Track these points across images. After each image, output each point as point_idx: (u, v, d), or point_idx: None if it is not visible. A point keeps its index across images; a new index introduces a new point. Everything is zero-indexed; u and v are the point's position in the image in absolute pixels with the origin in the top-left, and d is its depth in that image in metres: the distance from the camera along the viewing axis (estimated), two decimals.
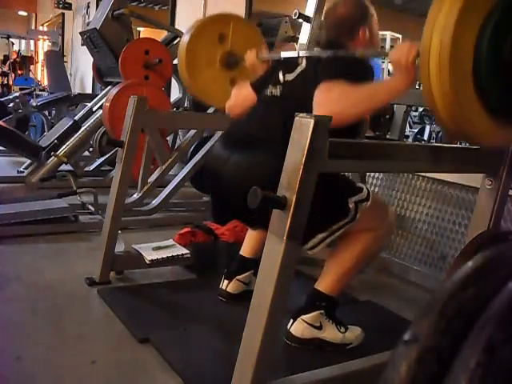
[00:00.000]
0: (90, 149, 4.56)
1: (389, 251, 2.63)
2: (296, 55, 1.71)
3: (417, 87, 5.27)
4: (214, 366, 1.54)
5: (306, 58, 1.68)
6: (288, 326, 1.66)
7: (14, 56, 10.77)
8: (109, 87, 4.29)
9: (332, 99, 1.40)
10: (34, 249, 2.52)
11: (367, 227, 1.65)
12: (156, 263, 2.23)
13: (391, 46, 10.26)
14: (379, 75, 8.92)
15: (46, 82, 8.85)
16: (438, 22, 1.18)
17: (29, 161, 4.29)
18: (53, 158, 3.91)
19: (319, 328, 1.66)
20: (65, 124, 4.26)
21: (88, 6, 7.72)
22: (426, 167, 1.60)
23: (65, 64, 8.39)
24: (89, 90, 7.53)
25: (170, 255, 2.26)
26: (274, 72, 1.75)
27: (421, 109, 6.20)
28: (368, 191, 1.63)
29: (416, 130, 6.27)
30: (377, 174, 2.79)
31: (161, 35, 4.58)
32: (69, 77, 7.95)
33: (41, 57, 11.66)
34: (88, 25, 4.69)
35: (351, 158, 1.25)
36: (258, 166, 1.51)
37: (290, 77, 1.68)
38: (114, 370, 1.54)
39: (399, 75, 1.39)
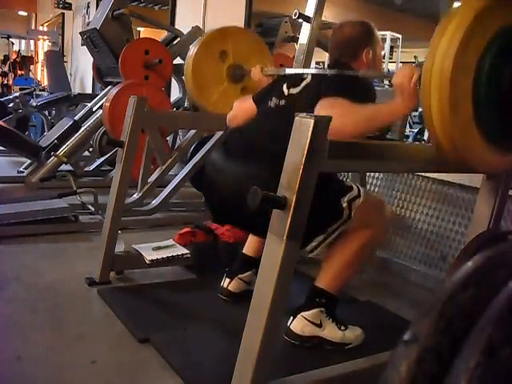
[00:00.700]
0: (90, 149, 4.56)
1: (389, 251, 2.63)
2: (301, 72, 1.74)
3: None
4: (214, 366, 1.54)
5: (312, 74, 1.71)
6: (288, 323, 1.67)
7: (14, 56, 10.77)
8: (109, 87, 4.29)
9: (333, 115, 1.41)
10: (34, 249, 2.52)
11: (364, 224, 1.65)
12: (156, 263, 2.23)
13: (391, 46, 10.27)
14: None
15: (46, 82, 8.84)
16: (441, 47, 1.19)
17: (29, 161, 4.29)
18: (53, 158, 3.91)
19: (319, 326, 1.67)
20: (65, 124, 4.26)
21: (88, 6, 7.72)
22: (426, 167, 1.60)
23: (65, 64, 8.38)
24: (89, 90, 7.53)
25: (170, 255, 2.26)
26: (277, 85, 1.79)
27: (421, 109, 6.20)
28: (358, 188, 1.64)
29: (416, 130, 6.26)
30: (377, 174, 2.79)
31: (161, 35, 4.58)
32: (69, 77, 7.95)
33: (41, 57, 11.66)
34: (88, 25, 4.69)
35: (351, 158, 1.25)
36: (256, 177, 1.52)
37: (295, 90, 1.72)
38: (114, 370, 1.54)
39: (401, 98, 1.41)
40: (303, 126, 1.12)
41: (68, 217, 2.87)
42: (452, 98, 1.19)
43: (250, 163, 1.58)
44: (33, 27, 13.29)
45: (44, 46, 11.76)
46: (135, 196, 3.06)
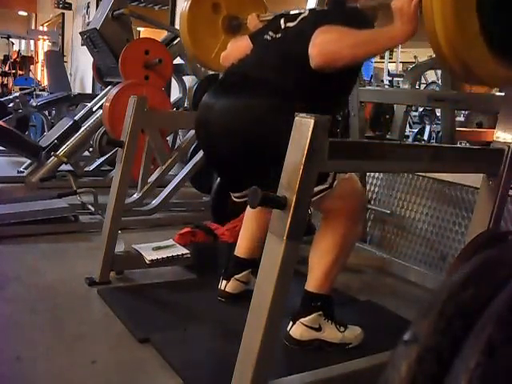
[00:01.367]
0: (90, 149, 4.56)
1: (389, 251, 2.63)
2: (298, 11, 1.72)
3: (417, 87, 5.26)
4: (214, 366, 1.54)
5: (309, 9, 1.70)
6: (288, 328, 1.65)
7: (14, 56, 10.77)
8: (109, 87, 4.29)
9: (329, 39, 1.39)
10: (34, 249, 2.52)
11: (342, 203, 1.61)
12: (156, 263, 2.22)
13: None
14: (369, 74, 8.93)
15: (46, 82, 8.84)
16: None
17: (29, 161, 4.29)
18: (53, 158, 3.91)
19: (319, 329, 1.65)
20: (65, 124, 4.26)
21: (88, 6, 7.72)
22: (426, 167, 1.59)
23: (65, 64, 8.38)
24: (89, 90, 7.53)
25: (170, 255, 2.26)
26: (275, 22, 1.75)
27: (421, 109, 6.19)
28: None
29: (416, 130, 6.26)
30: (377, 174, 2.79)
31: (161, 35, 4.58)
32: (69, 77, 7.95)
33: (41, 57, 11.66)
34: (88, 25, 4.69)
35: (351, 158, 1.25)
36: (254, 107, 1.47)
37: (292, 24, 1.68)
38: (114, 370, 1.54)
39: (400, 23, 1.37)
40: (303, 126, 1.12)
41: (68, 217, 2.87)
42: (456, 12, 1.16)
43: (247, 95, 1.51)
44: (33, 27, 13.31)
45: (44, 45, 11.76)
46: (135, 196, 3.06)
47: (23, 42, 13.40)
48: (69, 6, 8.97)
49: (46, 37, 11.23)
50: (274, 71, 1.51)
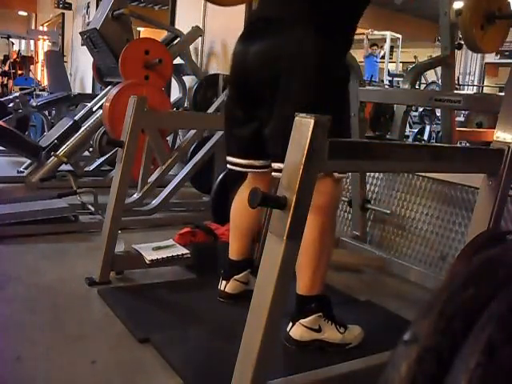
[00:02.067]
0: (90, 149, 4.56)
1: (389, 251, 2.63)
2: None
3: (416, 87, 5.26)
4: (214, 366, 1.54)
5: None
6: (287, 329, 1.64)
7: (14, 56, 10.77)
8: (109, 87, 4.29)
9: None
10: (34, 249, 2.52)
11: (319, 198, 1.48)
12: (156, 263, 2.23)
13: (391, 46, 10.27)
14: (376, 74, 8.94)
15: (46, 82, 8.84)
16: None
17: (29, 161, 4.29)
18: (53, 158, 3.92)
19: (318, 330, 1.64)
20: (65, 124, 4.26)
21: (88, 6, 7.72)
22: (426, 167, 1.59)
23: (65, 64, 8.38)
24: (89, 90, 7.53)
25: (170, 255, 2.26)
26: None
27: (421, 109, 6.20)
28: None
29: (416, 130, 6.27)
30: (377, 174, 2.79)
31: (161, 35, 4.58)
32: (69, 77, 7.95)
33: (41, 57, 11.66)
34: (88, 25, 4.69)
35: (351, 158, 1.25)
36: (281, 45, 1.55)
37: None
38: (114, 370, 1.54)
39: None
40: (303, 126, 1.12)
41: (68, 217, 2.87)
42: None
43: (272, 35, 1.57)
44: (33, 27, 13.31)
45: (44, 46, 11.76)
46: (135, 196, 3.06)
47: (23, 41, 13.43)
48: (69, 6, 8.97)
49: (46, 37, 11.23)
50: (296, 4, 1.59)
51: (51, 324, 1.78)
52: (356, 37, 1.76)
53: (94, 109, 4.42)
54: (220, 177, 2.92)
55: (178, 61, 4.31)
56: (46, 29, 12.11)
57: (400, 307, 2.07)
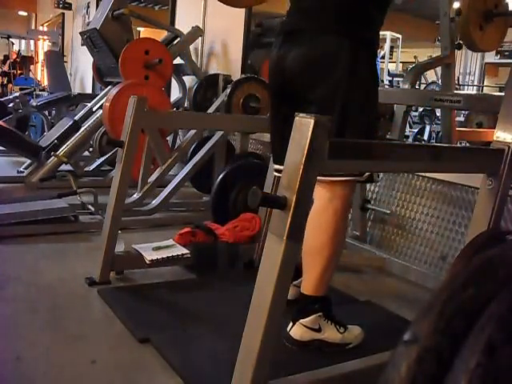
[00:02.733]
0: (90, 149, 4.56)
1: (389, 251, 2.63)
2: None
3: (416, 87, 5.26)
4: (214, 366, 1.54)
5: None
6: (288, 329, 1.65)
7: (14, 56, 10.77)
8: (109, 87, 4.29)
9: None
10: (34, 249, 2.52)
11: (333, 200, 1.61)
12: (156, 263, 2.22)
13: (391, 46, 10.27)
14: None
15: (46, 82, 8.84)
16: None
17: (29, 161, 4.29)
18: (53, 158, 3.92)
19: (318, 330, 1.65)
20: (65, 124, 4.26)
21: (88, 6, 7.72)
22: (426, 167, 1.60)
23: (65, 64, 8.38)
24: (89, 90, 7.52)
25: (170, 255, 2.26)
26: None
27: (421, 109, 6.20)
28: None
29: (416, 130, 6.27)
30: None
31: (161, 35, 4.58)
32: (69, 77, 7.94)
33: (41, 57, 11.65)
34: (88, 25, 4.69)
35: (351, 158, 1.25)
36: (320, 53, 1.62)
37: None
38: (114, 370, 1.54)
39: None
40: (303, 126, 1.12)
41: (68, 217, 2.87)
42: None
43: (316, 39, 1.64)
44: (33, 27, 13.30)
45: (44, 46, 11.76)
46: (135, 196, 3.06)
47: (23, 41, 13.42)
48: (69, 6, 8.96)
49: (46, 37, 11.23)
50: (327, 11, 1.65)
51: (51, 324, 1.78)
52: None
53: (94, 109, 4.42)
54: (220, 177, 2.92)
55: (178, 61, 4.31)
56: (45, 29, 12.11)
57: (400, 307, 2.07)
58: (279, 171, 1.79)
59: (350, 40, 1.60)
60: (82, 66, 8.14)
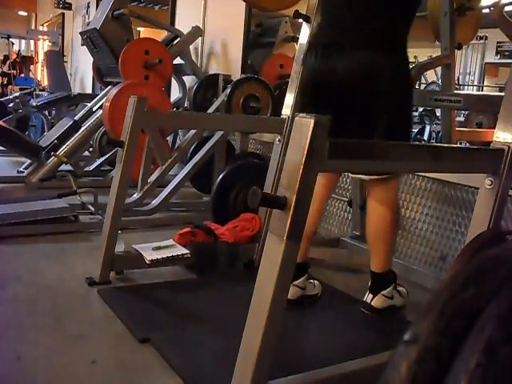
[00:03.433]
0: (90, 149, 4.56)
1: None
2: None
3: (416, 87, 5.26)
4: (214, 366, 1.54)
5: None
6: (368, 300, 1.93)
7: (14, 56, 10.77)
8: (109, 87, 4.29)
9: None
10: (34, 249, 2.52)
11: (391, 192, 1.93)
12: (156, 263, 2.22)
13: None
14: None
15: (46, 82, 8.84)
16: None
17: (29, 161, 4.29)
18: (53, 158, 3.92)
19: (392, 298, 1.96)
20: (65, 124, 4.26)
21: (88, 6, 7.72)
22: (426, 167, 1.59)
23: (65, 64, 8.38)
24: (89, 90, 7.52)
25: (170, 255, 2.26)
26: None
27: (421, 109, 6.19)
28: None
29: (416, 130, 6.26)
30: None
31: (161, 35, 4.58)
32: (69, 77, 7.95)
33: (41, 57, 11.65)
34: (88, 25, 4.69)
35: (351, 158, 1.25)
36: (368, 64, 1.76)
37: None
38: (114, 370, 1.54)
39: None
40: (303, 126, 1.12)
41: (68, 217, 2.87)
42: None
43: (354, 56, 1.77)
44: (33, 27, 13.30)
45: (44, 46, 11.76)
46: (135, 196, 3.06)
47: (23, 41, 13.41)
48: (69, 6, 8.95)
49: (46, 37, 11.23)
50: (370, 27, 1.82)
51: (51, 324, 1.78)
52: None
53: (94, 109, 4.42)
54: (220, 177, 2.92)
55: (178, 61, 4.31)
56: (45, 29, 12.11)
57: (400, 307, 2.07)
58: None
59: (392, 52, 1.83)
60: (82, 66, 8.14)
